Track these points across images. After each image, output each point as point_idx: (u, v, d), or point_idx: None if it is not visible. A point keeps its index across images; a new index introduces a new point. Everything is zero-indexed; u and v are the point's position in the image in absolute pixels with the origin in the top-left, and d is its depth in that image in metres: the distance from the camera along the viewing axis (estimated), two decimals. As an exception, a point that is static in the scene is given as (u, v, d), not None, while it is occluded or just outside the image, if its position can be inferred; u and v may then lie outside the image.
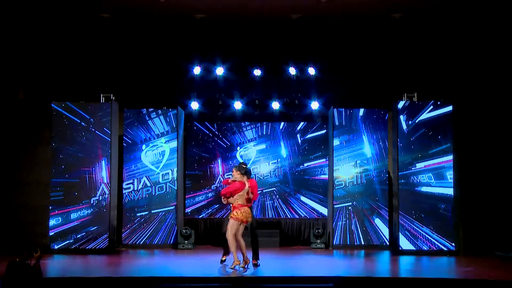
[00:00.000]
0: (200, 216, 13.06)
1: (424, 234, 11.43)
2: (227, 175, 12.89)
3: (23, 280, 6.43)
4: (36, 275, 6.58)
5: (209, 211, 13.06)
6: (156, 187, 12.23)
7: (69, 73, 12.66)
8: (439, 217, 11.45)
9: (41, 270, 6.78)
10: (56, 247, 11.43)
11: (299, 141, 13.20)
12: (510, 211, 11.71)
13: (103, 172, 11.60)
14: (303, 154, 13.16)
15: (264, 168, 13.15)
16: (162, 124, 12.34)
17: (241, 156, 13.11)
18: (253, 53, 12.72)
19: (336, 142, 12.20)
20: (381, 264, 10.42)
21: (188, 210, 13.07)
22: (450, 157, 11.56)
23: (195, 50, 12.62)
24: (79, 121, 11.66)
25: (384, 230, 12.02)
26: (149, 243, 12.13)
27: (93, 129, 11.66)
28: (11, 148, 12.52)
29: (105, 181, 11.57)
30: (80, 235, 11.49)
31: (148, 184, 12.25)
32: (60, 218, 11.51)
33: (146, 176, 12.25)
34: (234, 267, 9.08)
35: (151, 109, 12.37)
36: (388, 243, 11.96)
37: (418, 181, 11.56)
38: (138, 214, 12.20)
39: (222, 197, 9.27)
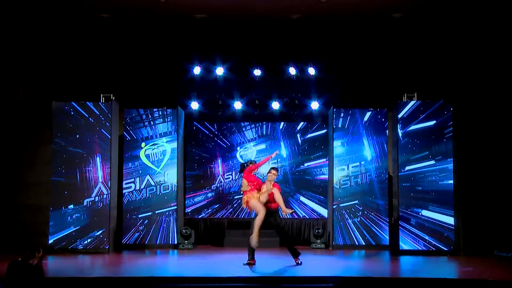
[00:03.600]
0: (200, 216, 13.06)
1: (424, 234, 11.44)
2: (227, 175, 13.00)
3: (24, 279, 6.44)
4: (38, 275, 6.58)
5: (209, 211, 13.06)
6: (156, 187, 12.22)
7: (69, 73, 12.66)
8: (439, 217, 11.46)
9: (43, 270, 6.79)
10: (56, 246, 11.44)
11: (299, 141, 13.20)
12: (510, 211, 11.72)
13: (100, 172, 11.61)
14: (303, 154, 13.16)
15: (264, 168, 13.13)
16: (162, 124, 12.34)
17: (241, 156, 13.11)
18: (253, 53, 12.71)
19: (336, 142, 12.20)
20: (381, 264, 10.41)
21: (188, 210, 13.08)
22: (450, 158, 11.56)
23: (195, 50, 12.62)
24: (79, 121, 11.67)
25: (384, 230, 12.03)
26: (149, 243, 12.13)
27: (93, 129, 11.66)
28: (11, 148, 12.52)
29: (101, 180, 11.58)
30: (80, 235, 11.49)
31: (151, 183, 12.24)
32: (60, 218, 11.52)
33: (148, 175, 12.25)
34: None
35: (151, 109, 12.36)
36: (388, 243, 11.97)
37: (418, 181, 11.56)
38: (139, 215, 12.19)
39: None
